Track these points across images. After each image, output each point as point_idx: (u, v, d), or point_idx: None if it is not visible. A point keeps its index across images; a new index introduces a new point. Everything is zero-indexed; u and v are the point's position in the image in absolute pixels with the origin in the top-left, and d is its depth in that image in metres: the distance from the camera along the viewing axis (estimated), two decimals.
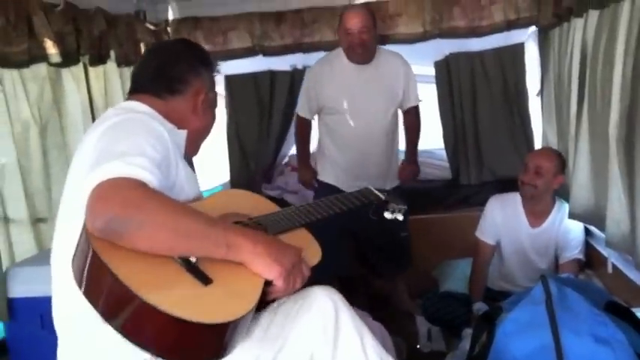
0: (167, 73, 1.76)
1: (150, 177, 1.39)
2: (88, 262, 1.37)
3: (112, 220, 1.31)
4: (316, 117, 3.68)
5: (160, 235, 1.35)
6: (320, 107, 3.55)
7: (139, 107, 1.69)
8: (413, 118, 3.67)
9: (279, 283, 1.45)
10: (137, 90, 1.77)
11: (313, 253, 1.68)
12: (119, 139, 1.48)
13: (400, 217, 2.09)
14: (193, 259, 1.43)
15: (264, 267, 1.44)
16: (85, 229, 1.39)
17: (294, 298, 1.57)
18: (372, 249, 3.79)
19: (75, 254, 1.43)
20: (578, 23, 3.00)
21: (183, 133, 1.76)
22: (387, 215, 2.08)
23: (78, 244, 1.43)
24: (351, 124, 3.47)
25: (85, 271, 1.38)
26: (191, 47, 1.87)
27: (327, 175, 3.63)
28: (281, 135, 4.55)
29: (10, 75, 2.65)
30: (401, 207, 2.09)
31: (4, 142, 2.62)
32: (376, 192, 2.08)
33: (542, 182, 3.09)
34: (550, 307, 1.85)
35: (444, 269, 3.92)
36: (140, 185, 1.37)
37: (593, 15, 2.79)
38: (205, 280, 1.41)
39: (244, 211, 1.72)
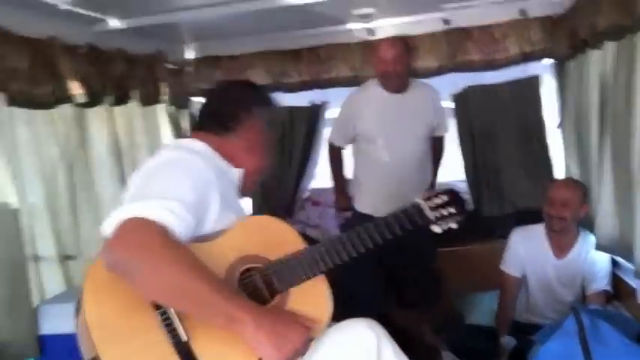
0: (221, 111, 1.87)
1: (176, 223, 1.43)
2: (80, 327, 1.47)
3: (123, 260, 1.37)
4: (349, 147, 3.74)
5: (162, 289, 1.39)
6: (355, 135, 3.60)
7: (195, 145, 1.77)
8: (438, 147, 3.77)
9: None
10: (198, 127, 1.89)
11: (322, 312, 1.66)
12: (162, 177, 1.55)
13: (454, 225, 1.89)
14: (184, 338, 1.46)
15: (263, 352, 1.45)
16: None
17: (335, 329, 1.57)
18: (406, 281, 3.75)
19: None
20: (594, 54, 3.02)
21: (237, 172, 1.82)
22: (436, 229, 1.87)
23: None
24: (388, 152, 3.51)
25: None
26: (247, 87, 1.95)
27: (363, 204, 3.65)
28: (301, 170, 4.57)
29: (38, 116, 2.72)
30: (453, 214, 1.88)
31: (34, 181, 2.68)
32: (426, 211, 1.86)
33: (569, 214, 3.07)
34: (583, 339, 1.84)
35: (468, 303, 3.88)
36: (162, 232, 1.40)
37: (610, 46, 2.81)
38: None
39: (265, 251, 1.69)
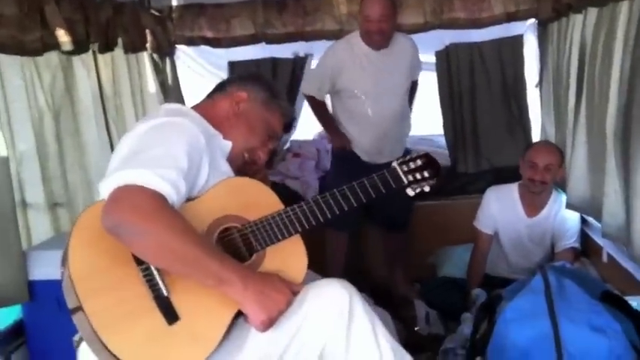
0: (225, 80, 2.04)
1: (171, 191, 1.50)
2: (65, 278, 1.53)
3: (120, 224, 1.44)
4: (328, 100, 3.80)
5: (157, 252, 1.47)
6: (336, 90, 3.64)
7: (188, 111, 1.85)
8: (412, 90, 3.86)
9: (259, 327, 1.55)
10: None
11: (299, 270, 1.75)
12: (157, 143, 1.60)
13: (427, 189, 1.95)
14: (165, 293, 1.53)
15: (250, 311, 1.54)
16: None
17: (311, 289, 1.63)
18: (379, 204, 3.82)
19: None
20: (577, 19, 3.07)
21: (228, 144, 1.86)
22: (410, 192, 1.93)
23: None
24: (371, 106, 3.59)
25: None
26: (258, 73, 2.10)
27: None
28: None
29: (26, 63, 2.72)
30: (427, 177, 1.93)
31: (24, 129, 2.70)
32: (401, 175, 1.91)
33: (551, 178, 3.19)
34: (549, 297, 1.94)
35: (442, 255, 4.01)
36: (157, 199, 1.47)
37: (592, 12, 2.85)
38: (172, 317, 1.53)
39: (244, 211, 1.75)
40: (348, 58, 3.57)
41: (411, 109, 3.91)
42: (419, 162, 1.94)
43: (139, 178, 1.48)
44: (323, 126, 3.92)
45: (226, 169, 1.82)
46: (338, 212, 1.82)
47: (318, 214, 1.79)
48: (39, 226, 2.79)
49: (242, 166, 1.92)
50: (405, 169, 1.92)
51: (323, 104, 3.79)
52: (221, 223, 1.70)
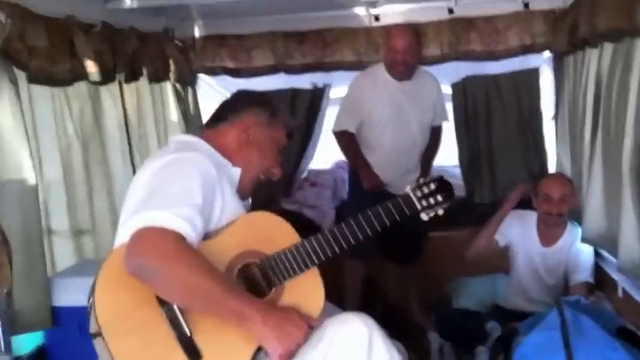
0: (224, 105, 2.03)
1: (189, 230, 1.56)
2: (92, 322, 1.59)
3: (143, 266, 1.49)
4: None
5: (180, 291, 1.53)
6: (361, 120, 3.65)
7: (197, 143, 1.88)
8: (435, 136, 3.87)
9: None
10: (206, 125, 2.03)
11: (316, 303, 1.80)
12: (172, 180, 1.65)
13: (440, 212, 1.99)
14: (188, 333, 1.58)
15: (269, 345, 1.59)
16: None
17: (331, 323, 1.66)
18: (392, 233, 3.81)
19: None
20: (593, 53, 3.11)
21: (237, 171, 1.90)
22: (424, 217, 1.97)
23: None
24: (390, 135, 3.62)
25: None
26: (251, 91, 2.09)
27: None
28: (301, 150, 4.67)
29: (56, 93, 2.81)
30: (440, 202, 1.97)
31: (52, 157, 2.79)
32: (415, 202, 1.94)
33: (566, 208, 3.24)
34: (565, 333, 1.96)
35: (457, 286, 4.01)
36: (176, 239, 1.53)
37: (608, 47, 2.89)
38: (195, 356, 1.58)
39: (262, 246, 1.80)
40: (371, 87, 3.61)
41: (432, 162, 3.89)
42: (432, 186, 1.98)
43: (157, 220, 1.53)
44: (355, 164, 3.80)
45: (235, 197, 1.86)
46: (353, 242, 1.85)
47: (333, 245, 1.83)
48: (63, 252, 2.86)
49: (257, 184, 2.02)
50: (419, 194, 1.96)
51: (354, 141, 3.69)
52: (241, 260, 1.75)
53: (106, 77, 3.06)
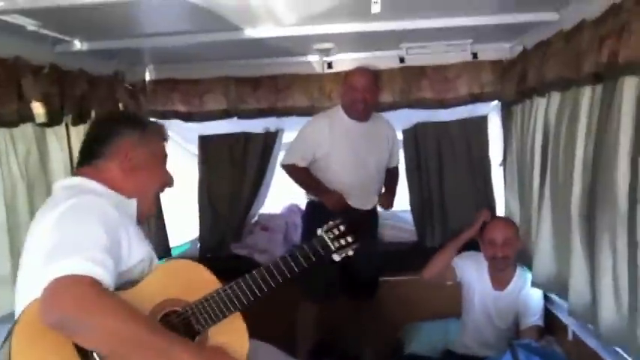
0: (91, 140, 1.94)
1: (102, 273, 1.51)
2: None
3: (64, 319, 1.43)
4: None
5: (105, 338, 1.47)
6: (315, 159, 3.69)
7: (87, 184, 1.82)
8: (394, 173, 3.99)
9: None
10: (80, 163, 1.93)
11: (241, 347, 1.80)
12: (74, 229, 1.60)
13: (350, 253, 2.08)
14: None
15: None
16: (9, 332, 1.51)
17: None
18: (353, 272, 3.80)
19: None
20: (540, 102, 3.19)
21: (133, 203, 1.87)
22: (336, 258, 2.05)
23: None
24: (350, 176, 3.68)
25: None
26: (113, 114, 2.07)
27: None
28: (252, 195, 4.63)
29: (1, 133, 2.73)
30: (350, 243, 2.06)
31: None
32: (328, 243, 2.04)
33: (511, 251, 3.28)
34: None
35: (409, 331, 4.01)
36: (93, 285, 1.47)
37: (555, 96, 2.98)
38: None
39: (183, 293, 1.78)
40: (328, 128, 3.66)
41: (393, 199, 3.94)
42: (342, 228, 2.06)
43: (68, 268, 1.47)
44: (310, 189, 3.82)
45: (138, 231, 1.84)
46: (274, 285, 1.88)
47: (254, 289, 1.85)
48: (3, 299, 2.72)
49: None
50: (332, 236, 2.03)
51: (305, 170, 3.72)
52: (162, 308, 1.72)
53: (53, 119, 2.99)
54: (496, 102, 4.22)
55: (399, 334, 4.07)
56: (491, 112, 4.37)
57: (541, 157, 3.21)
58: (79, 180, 1.85)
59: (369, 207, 3.83)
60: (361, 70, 3.62)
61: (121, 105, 3.80)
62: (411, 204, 4.56)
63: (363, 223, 3.68)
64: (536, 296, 3.34)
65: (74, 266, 1.47)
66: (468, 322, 3.49)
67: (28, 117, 2.81)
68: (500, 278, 3.38)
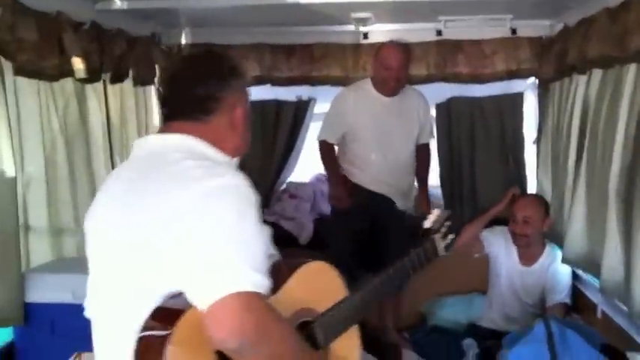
0: (199, 92, 1.58)
1: (266, 284, 1.34)
2: None
3: (243, 345, 1.28)
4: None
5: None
6: (344, 134, 3.70)
7: (201, 148, 1.53)
8: (425, 154, 3.93)
9: None
10: (173, 116, 1.60)
11: (353, 356, 1.78)
12: (239, 227, 1.35)
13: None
14: None
15: None
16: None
17: None
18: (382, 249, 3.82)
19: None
20: (581, 79, 3.16)
21: (235, 163, 1.63)
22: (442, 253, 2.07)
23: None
24: (375, 152, 3.66)
25: None
26: (218, 59, 1.67)
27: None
28: (282, 162, 4.64)
29: (42, 87, 2.76)
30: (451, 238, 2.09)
31: (34, 151, 2.74)
32: (436, 243, 2.03)
33: (532, 230, 3.29)
34: (552, 346, 1.96)
35: (432, 305, 4.02)
36: (268, 306, 1.33)
37: (597, 74, 2.94)
38: None
39: (315, 302, 1.70)
40: (357, 102, 3.65)
41: (427, 179, 3.98)
42: (448, 224, 2.09)
43: (243, 283, 1.29)
44: (329, 175, 3.88)
45: None
46: (391, 291, 1.91)
47: (375, 298, 1.84)
48: (39, 249, 2.79)
49: None
50: (441, 235, 2.05)
51: (332, 153, 3.78)
52: (296, 319, 1.64)
53: (92, 76, 3.02)
54: (532, 79, 4.16)
55: (421, 308, 4.08)
56: (527, 89, 4.31)
57: (578, 135, 3.18)
58: (190, 141, 1.53)
59: (404, 186, 3.80)
60: (394, 48, 3.53)
61: (156, 66, 3.82)
62: (441, 179, 4.54)
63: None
64: (564, 274, 3.34)
65: (247, 281, 1.28)
66: (493, 296, 3.50)
67: (68, 72, 2.84)
68: (527, 254, 3.39)
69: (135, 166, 1.56)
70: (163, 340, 1.31)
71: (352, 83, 3.91)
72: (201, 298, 1.28)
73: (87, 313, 1.56)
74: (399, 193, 3.75)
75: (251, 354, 1.30)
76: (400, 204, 3.74)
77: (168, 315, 1.34)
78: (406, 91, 3.71)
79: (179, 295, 1.34)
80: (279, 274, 1.55)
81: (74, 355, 2.47)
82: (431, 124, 3.98)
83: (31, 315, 2.55)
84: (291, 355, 1.41)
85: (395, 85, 3.56)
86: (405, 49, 3.56)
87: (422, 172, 3.92)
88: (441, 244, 2.04)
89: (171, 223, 1.36)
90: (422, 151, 3.89)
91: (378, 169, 3.68)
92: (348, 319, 1.74)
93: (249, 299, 1.28)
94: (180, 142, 1.53)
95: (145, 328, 1.36)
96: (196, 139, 1.54)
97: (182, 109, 1.58)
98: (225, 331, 1.26)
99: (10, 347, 2.62)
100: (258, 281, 1.30)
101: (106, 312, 1.50)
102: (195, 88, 1.58)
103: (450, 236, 2.07)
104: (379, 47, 3.61)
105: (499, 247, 3.45)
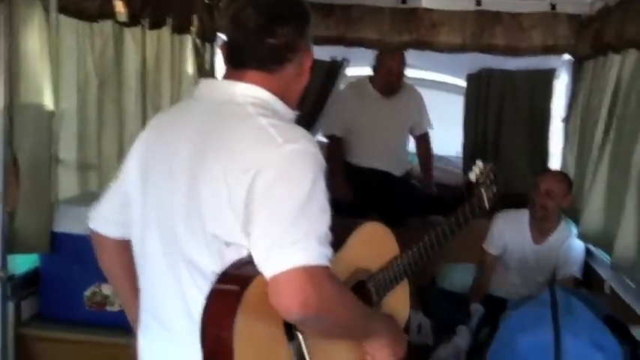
0: (278, 41, 1.44)
1: (330, 256, 1.32)
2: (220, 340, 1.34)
3: (306, 317, 1.29)
4: None
5: (334, 332, 1.42)
6: (347, 127, 4.17)
7: (273, 103, 1.46)
8: (424, 145, 4.37)
9: None
10: (243, 64, 1.46)
11: (403, 316, 1.79)
12: (308, 196, 1.30)
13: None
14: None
15: (384, 357, 1.54)
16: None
17: None
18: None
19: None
20: (615, 59, 3.14)
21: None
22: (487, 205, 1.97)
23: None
24: (371, 144, 4.11)
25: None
26: (294, 3, 1.53)
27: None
28: (310, 121, 4.68)
29: (82, 27, 2.83)
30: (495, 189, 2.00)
31: (69, 88, 2.82)
32: (483, 196, 1.94)
33: (552, 204, 3.28)
34: (555, 311, 2.01)
35: (443, 270, 4.08)
36: (332, 278, 1.32)
37: (632, 54, 2.93)
38: None
39: (370, 262, 1.72)
40: (358, 100, 4.11)
41: (430, 168, 4.40)
42: (492, 175, 2.01)
43: (308, 256, 1.26)
44: (332, 169, 3.93)
45: None
46: (440, 246, 1.83)
47: (426, 254, 1.79)
48: (67, 182, 2.89)
49: None
50: (485, 188, 1.97)
51: (339, 148, 4.16)
52: (352, 279, 1.66)
53: (132, 20, 3.07)
54: (566, 56, 4.14)
55: (432, 271, 4.14)
56: (561, 66, 4.29)
57: (607, 113, 3.18)
58: (265, 95, 1.44)
59: (398, 173, 4.20)
60: (398, 57, 4.05)
61: (195, 17, 3.86)
62: (464, 149, 4.56)
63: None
64: (578, 249, 3.37)
65: (313, 254, 1.26)
66: (502, 271, 3.53)
67: (108, 13, 2.89)
68: (541, 230, 3.39)
69: (205, 107, 1.48)
70: (237, 298, 1.33)
71: (387, 47, 3.99)
72: (266, 266, 1.26)
73: (92, 225, 1.64)
74: (394, 166, 4.18)
75: (315, 325, 1.34)
76: (397, 173, 4.19)
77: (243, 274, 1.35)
78: (404, 89, 4.12)
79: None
80: (338, 235, 1.50)
81: (95, 285, 2.63)
82: (427, 115, 4.27)
83: (56, 244, 2.64)
84: (355, 326, 1.44)
85: (395, 86, 4.06)
86: (403, 56, 4.08)
87: (424, 166, 4.39)
88: (484, 196, 1.93)
89: (244, 178, 1.30)
90: (420, 143, 4.33)
91: (373, 153, 4.10)
92: (398, 277, 1.74)
93: (314, 273, 1.26)
94: (255, 94, 1.44)
95: (221, 280, 1.36)
96: (268, 92, 1.45)
97: (256, 57, 1.45)
98: (289, 303, 1.25)
99: (36, 273, 2.72)
100: (324, 254, 1.28)
101: (159, 244, 1.47)
102: (273, 36, 1.43)
103: (494, 187, 1.97)
104: (383, 55, 4.10)
105: (506, 236, 3.47)
